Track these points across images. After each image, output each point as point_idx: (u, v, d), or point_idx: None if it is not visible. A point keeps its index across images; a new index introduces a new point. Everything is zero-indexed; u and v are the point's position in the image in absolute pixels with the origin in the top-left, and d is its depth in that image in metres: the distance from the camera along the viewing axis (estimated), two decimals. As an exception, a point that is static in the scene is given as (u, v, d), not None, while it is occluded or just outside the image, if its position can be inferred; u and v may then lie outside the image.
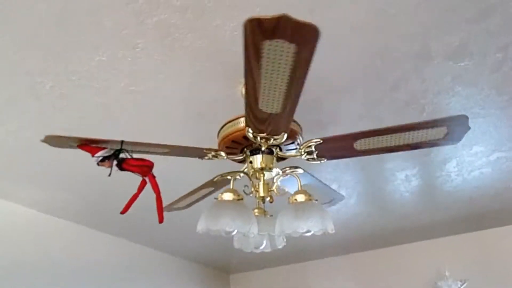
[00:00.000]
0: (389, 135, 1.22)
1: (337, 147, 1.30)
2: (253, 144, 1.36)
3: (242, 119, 1.35)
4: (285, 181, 1.43)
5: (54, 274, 2.61)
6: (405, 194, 2.56)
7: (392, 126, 1.19)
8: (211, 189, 1.59)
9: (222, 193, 1.27)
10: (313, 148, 1.30)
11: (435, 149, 2.04)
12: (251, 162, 1.37)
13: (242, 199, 1.28)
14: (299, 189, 1.33)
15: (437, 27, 1.32)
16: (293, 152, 1.39)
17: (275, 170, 1.36)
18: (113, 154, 1.24)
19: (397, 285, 3.41)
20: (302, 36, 0.83)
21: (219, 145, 1.40)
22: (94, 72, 1.47)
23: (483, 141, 1.99)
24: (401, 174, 2.31)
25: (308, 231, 1.22)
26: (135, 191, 1.45)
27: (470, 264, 3.18)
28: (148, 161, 1.30)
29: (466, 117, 1.15)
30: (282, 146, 1.39)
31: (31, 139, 1.88)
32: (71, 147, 1.27)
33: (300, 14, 1.25)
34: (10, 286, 2.33)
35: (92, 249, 2.93)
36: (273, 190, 1.36)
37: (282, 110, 1.08)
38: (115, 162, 1.25)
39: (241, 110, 1.48)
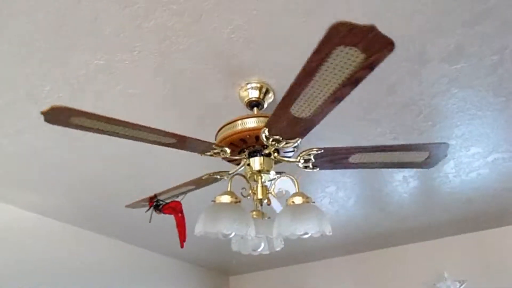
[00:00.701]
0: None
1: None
2: (252, 147, 1.37)
3: (240, 122, 1.36)
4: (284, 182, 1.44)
5: (53, 277, 2.61)
6: (404, 195, 2.57)
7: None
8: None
9: (219, 196, 1.28)
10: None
11: (432, 150, 2.05)
12: (248, 165, 1.37)
13: (239, 201, 1.28)
14: (297, 191, 1.33)
15: (433, 30, 1.33)
16: (291, 157, 1.40)
17: (272, 173, 1.37)
18: (155, 204, 1.71)
19: (396, 286, 3.41)
20: None
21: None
22: (92, 75, 1.48)
23: (480, 142, 2.00)
24: (399, 176, 2.31)
25: (306, 233, 1.22)
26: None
27: (469, 264, 3.18)
28: (175, 202, 1.68)
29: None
30: (280, 150, 1.40)
31: (30, 143, 1.88)
32: (144, 206, 1.75)
33: (296, 17, 1.26)
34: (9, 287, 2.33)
35: (90, 252, 2.93)
36: (270, 193, 1.36)
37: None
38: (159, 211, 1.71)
39: (239, 112, 1.50)
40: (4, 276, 2.33)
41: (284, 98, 1.05)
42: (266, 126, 1.21)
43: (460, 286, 3.10)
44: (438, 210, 2.82)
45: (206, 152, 1.37)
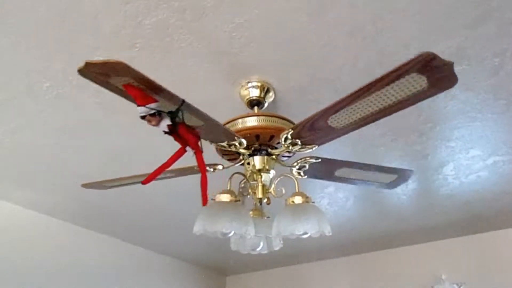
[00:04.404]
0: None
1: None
2: (251, 146, 1.37)
3: (240, 120, 1.36)
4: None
5: (51, 274, 2.60)
6: (402, 197, 2.56)
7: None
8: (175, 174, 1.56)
9: (219, 194, 1.27)
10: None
11: (431, 152, 2.05)
12: (248, 164, 1.37)
13: (239, 200, 1.28)
14: (297, 190, 1.33)
15: (435, 32, 1.32)
16: (285, 160, 1.42)
17: (272, 172, 1.37)
18: (169, 112, 1.05)
19: (394, 288, 3.41)
20: None
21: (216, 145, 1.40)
22: (92, 72, 1.47)
23: (480, 145, 1.99)
24: (398, 177, 2.31)
25: (305, 233, 1.22)
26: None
27: (467, 267, 3.18)
28: (196, 131, 1.14)
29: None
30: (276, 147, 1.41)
31: (28, 139, 1.88)
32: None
33: (299, 17, 1.26)
34: (4, 285, 2.32)
35: (88, 250, 2.92)
36: (270, 192, 1.36)
37: (343, 128, 1.18)
38: (167, 123, 1.06)
39: (240, 111, 1.49)
40: (1, 273, 2.32)
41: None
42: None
43: (457, 289, 3.10)
44: (436, 212, 2.82)
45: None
